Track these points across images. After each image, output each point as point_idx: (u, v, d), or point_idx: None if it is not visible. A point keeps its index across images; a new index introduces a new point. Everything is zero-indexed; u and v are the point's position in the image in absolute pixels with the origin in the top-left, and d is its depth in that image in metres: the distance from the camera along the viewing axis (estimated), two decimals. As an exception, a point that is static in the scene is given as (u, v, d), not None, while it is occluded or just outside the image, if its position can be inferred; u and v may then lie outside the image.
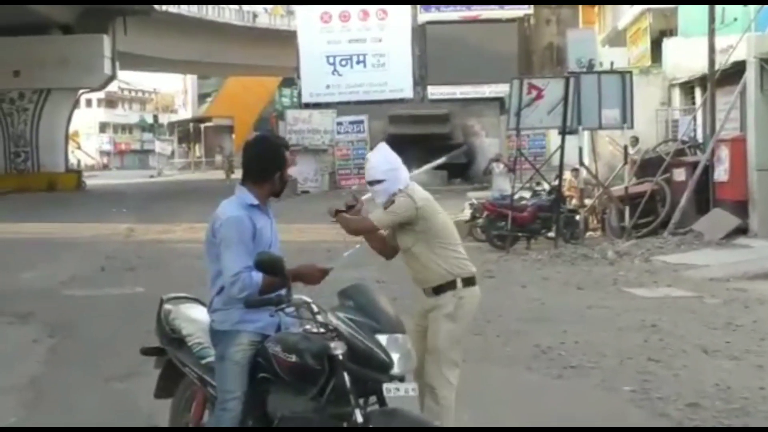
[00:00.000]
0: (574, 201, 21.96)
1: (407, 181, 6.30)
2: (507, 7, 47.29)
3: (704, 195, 19.25)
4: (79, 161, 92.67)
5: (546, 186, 21.17)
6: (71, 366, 9.71)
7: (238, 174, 52.21)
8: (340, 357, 4.82)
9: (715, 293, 13.30)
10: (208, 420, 5.63)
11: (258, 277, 5.17)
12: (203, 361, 5.65)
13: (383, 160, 6.33)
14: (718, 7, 21.31)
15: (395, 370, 4.85)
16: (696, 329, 10.78)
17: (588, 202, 21.88)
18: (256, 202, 5.42)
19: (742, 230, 18.22)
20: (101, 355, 9.93)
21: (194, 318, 5.88)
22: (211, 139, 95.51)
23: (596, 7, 41.80)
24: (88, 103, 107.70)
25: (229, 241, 5.27)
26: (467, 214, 22.24)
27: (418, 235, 6.16)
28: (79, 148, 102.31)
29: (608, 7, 39.53)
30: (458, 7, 47.29)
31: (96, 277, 16.63)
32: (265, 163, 5.48)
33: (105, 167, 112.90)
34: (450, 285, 6.12)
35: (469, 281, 6.19)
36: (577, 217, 20.32)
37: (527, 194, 21.11)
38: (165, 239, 23.05)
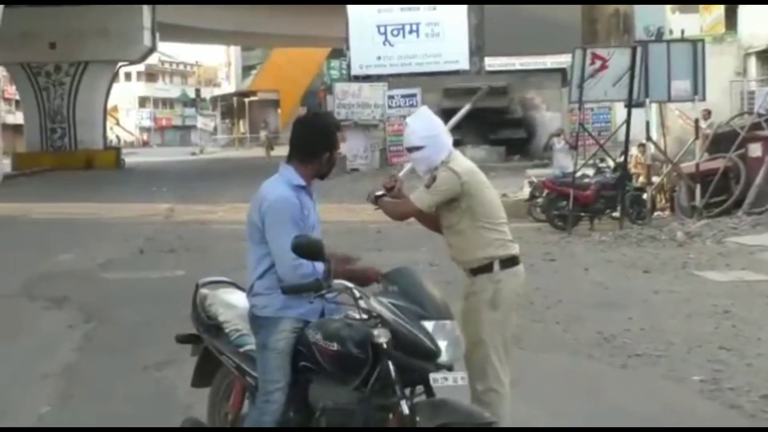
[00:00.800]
0: (641, 179, 21.72)
1: (450, 149, 6.14)
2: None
3: (782, 172, 18.98)
4: (118, 138, 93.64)
5: (610, 163, 21.00)
6: (107, 353, 9.80)
7: (278, 151, 52.45)
8: (385, 345, 4.79)
9: (793, 277, 13.12)
10: (249, 411, 5.62)
11: (320, 268, 5.15)
12: (241, 349, 5.64)
13: (423, 125, 6.14)
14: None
15: (443, 358, 4.81)
16: (772, 316, 10.65)
17: (656, 179, 21.64)
18: (302, 182, 5.43)
19: (822, 209, 17.96)
20: (138, 342, 10.01)
21: (232, 304, 5.86)
22: (255, 114, 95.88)
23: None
24: (128, 76, 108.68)
25: (281, 222, 5.28)
26: (526, 192, 22.15)
27: (463, 212, 6.02)
28: (117, 124, 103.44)
29: (679, -29, 39.04)
30: (518, -28, 46.98)
31: (134, 260, 16.80)
32: (315, 142, 5.49)
33: (145, 144, 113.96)
34: (486, 268, 6.00)
35: (507, 262, 6.04)
36: (644, 196, 20.12)
37: (590, 171, 20.93)
38: (206, 220, 23.18)
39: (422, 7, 47.21)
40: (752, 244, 16.03)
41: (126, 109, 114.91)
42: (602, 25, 47.35)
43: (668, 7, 33.38)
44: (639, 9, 29.67)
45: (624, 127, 19.93)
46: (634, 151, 21.91)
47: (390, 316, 4.85)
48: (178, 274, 14.43)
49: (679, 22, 30.79)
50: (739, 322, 10.27)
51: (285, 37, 70.48)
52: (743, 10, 26.68)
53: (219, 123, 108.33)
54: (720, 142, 20.73)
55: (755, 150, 19.66)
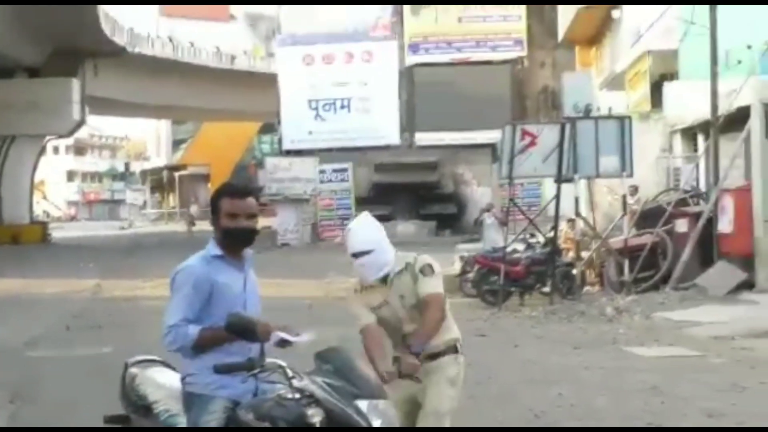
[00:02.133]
0: (571, 254, 21.96)
1: (392, 252, 6.18)
2: (499, 49, 47.68)
3: (708, 247, 19.30)
4: (45, 212, 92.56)
5: (541, 238, 21.19)
6: (32, 433, 9.62)
7: (200, 226, 51.43)
8: (318, 425, 4.77)
9: (720, 352, 13.30)
10: None
11: (193, 331, 5.17)
12: None
13: (370, 229, 6.14)
14: (722, 50, 21.48)
15: None
16: (700, 391, 10.75)
17: (585, 254, 21.89)
18: (219, 252, 5.40)
19: (748, 285, 18.24)
20: (65, 422, 9.81)
21: (162, 384, 5.76)
22: (186, 189, 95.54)
23: (593, 50, 42.14)
24: (56, 150, 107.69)
25: (173, 294, 5.30)
26: (457, 267, 22.23)
27: None
28: (45, 198, 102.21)
29: (606, 50, 39.84)
30: (447, 49, 47.73)
31: (61, 337, 16.54)
32: (211, 210, 5.51)
33: (73, 218, 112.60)
34: (452, 349, 6.16)
35: (460, 346, 6.27)
36: (574, 271, 20.31)
37: (521, 247, 21.11)
38: (134, 296, 22.96)
39: (353, 81, 47.67)
40: (679, 319, 16.25)
41: (54, 182, 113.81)
42: (531, 101, 48.25)
43: (596, 84, 34.02)
44: (568, 86, 30.05)
45: (553, 203, 20.18)
46: (563, 226, 22.18)
47: (323, 395, 4.84)
48: (105, 351, 14.25)
49: (607, 99, 31.40)
50: (667, 398, 10.37)
51: (216, 111, 70.62)
52: (668, 88, 27.25)
53: (149, 197, 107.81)
54: (647, 217, 21.09)
55: (681, 225, 20.01)
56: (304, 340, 5.24)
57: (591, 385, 11.22)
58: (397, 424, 5.04)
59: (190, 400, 5.36)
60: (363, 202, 43.50)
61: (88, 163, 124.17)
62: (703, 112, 21.96)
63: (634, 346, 14.12)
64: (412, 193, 44.29)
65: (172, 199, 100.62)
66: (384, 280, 6.09)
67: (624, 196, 20.84)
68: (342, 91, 47.98)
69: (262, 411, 5.02)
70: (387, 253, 6.11)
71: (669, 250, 19.83)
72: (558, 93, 38.02)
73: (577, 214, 20.82)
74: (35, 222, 59.79)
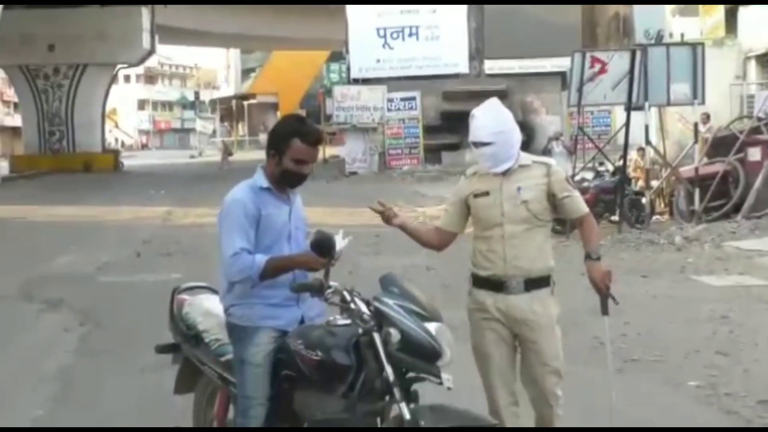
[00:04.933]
0: (640, 182, 21.73)
1: (518, 146, 5.69)
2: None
3: (781, 176, 18.99)
4: (117, 140, 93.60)
5: (610, 166, 20.97)
6: (102, 356, 9.82)
7: (235, 157, 51.48)
8: (396, 345, 4.73)
9: (792, 282, 13.12)
10: (232, 420, 5.58)
11: (261, 259, 5.09)
12: (222, 359, 5.55)
13: (493, 119, 5.61)
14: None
15: (444, 360, 4.77)
16: (770, 321, 10.66)
17: (655, 183, 21.64)
18: (265, 184, 5.29)
19: (822, 213, 17.96)
20: (134, 345, 9.95)
21: (211, 311, 5.73)
22: (255, 117, 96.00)
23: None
24: (127, 79, 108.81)
25: (227, 224, 5.19)
26: (525, 196, 22.09)
27: (547, 213, 5.71)
28: (117, 126, 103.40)
29: (680, -26, 39.06)
30: (518, -25, 46.98)
31: (131, 263, 16.80)
32: (270, 143, 5.33)
33: (144, 147, 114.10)
34: (544, 281, 5.66)
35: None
36: (643, 200, 20.12)
37: (590, 175, 20.91)
38: (204, 223, 23.09)
39: (422, 9, 47.19)
40: (750, 248, 16.03)
41: (125, 111, 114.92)
42: (602, 28, 47.38)
43: (668, 9, 33.41)
44: (639, 12, 29.65)
45: (623, 131, 19.93)
46: (633, 154, 21.91)
47: (398, 317, 4.79)
48: (174, 277, 14.37)
49: (679, 25, 30.81)
50: (736, 327, 10.28)
51: (284, 40, 70.53)
52: (743, 14, 26.71)
53: (218, 126, 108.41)
54: (719, 146, 20.72)
55: (754, 154, 19.65)
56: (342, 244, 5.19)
57: (658, 314, 11.16)
58: (453, 347, 4.86)
59: (235, 332, 5.31)
60: (431, 131, 43.34)
61: (159, 92, 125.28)
62: (780, 38, 21.51)
63: (703, 275, 13.98)
64: (482, 121, 44.02)
65: (242, 128, 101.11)
66: (504, 173, 5.64)
67: (695, 124, 20.50)
68: (410, 19, 47.50)
69: (312, 339, 4.99)
70: (510, 147, 5.62)
71: (741, 179, 19.49)
72: (630, 19, 37.40)
73: (648, 142, 20.54)
74: (107, 150, 60.53)
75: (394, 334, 4.73)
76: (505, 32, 45.11)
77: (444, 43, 47.08)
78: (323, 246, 4.99)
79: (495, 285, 5.62)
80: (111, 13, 52.37)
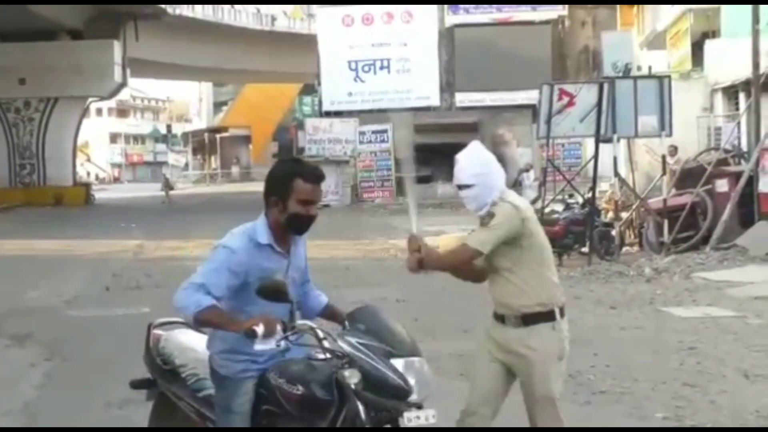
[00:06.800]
0: (610, 214, 21.83)
1: (502, 188, 5.72)
2: (540, 8, 47.21)
3: (748, 207, 19.07)
4: (89, 174, 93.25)
5: (579, 198, 21.05)
6: (68, 390, 9.73)
7: (174, 192, 50.94)
8: (354, 386, 4.66)
9: (759, 313, 13.15)
10: None
11: (206, 301, 4.88)
12: (200, 394, 5.43)
13: (475, 161, 5.73)
14: (763, 7, 21.20)
15: (413, 396, 4.71)
16: (737, 352, 10.67)
17: (624, 215, 21.74)
18: (266, 241, 5.06)
19: (789, 245, 18.03)
20: (100, 379, 9.90)
21: (188, 345, 5.64)
22: (227, 150, 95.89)
23: (635, 8, 41.68)
24: (98, 112, 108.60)
25: (208, 263, 5.03)
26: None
27: (523, 252, 5.63)
28: (88, 160, 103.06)
29: (647, 8, 39.41)
30: (488, 8, 47.30)
31: (101, 297, 16.69)
32: (267, 188, 5.12)
33: (116, 180, 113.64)
34: (547, 316, 5.62)
35: (563, 310, 5.74)
36: (613, 232, 20.19)
37: (559, 207, 20.99)
38: (175, 256, 23.04)
39: (393, 42, 47.45)
40: (719, 279, 16.09)
41: (97, 145, 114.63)
42: (572, 61, 47.83)
43: (636, 43, 33.71)
44: (608, 46, 29.82)
45: (592, 163, 20.02)
46: (606, 187, 22.00)
47: (358, 355, 4.73)
48: (143, 311, 14.31)
49: (647, 58, 31.09)
50: (704, 358, 10.29)
51: (256, 73, 70.67)
52: (710, 46, 26.97)
53: (190, 159, 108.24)
54: (687, 177, 20.86)
55: (722, 186, 19.77)
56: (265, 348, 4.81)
57: (627, 346, 11.17)
58: (432, 381, 4.87)
59: (217, 378, 5.19)
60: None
61: (131, 125, 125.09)
62: (745, 71, 21.73)
63: (672, 306, 14.01)
64: (453, 154, 43.83)
65: (214, 161, 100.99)
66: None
67: (663, 156, 20.62)
68: (381, 52, 47.73)
69: (293, 373, 4.91)
70: (491, 190, 5.65)
71: (709, 211, 19.59)
72: (598, 53, 37.70)
73: (616, 174, 20.65)
74: (78, 183, 60.15)
75: (352, 375, 4.67)
76: (477, 65, 45.40)
77: (415, 76, 47.32)
78: (269, 293, 4.84)
79: (498, 318, 5.79)
80: (82, 46, 52.29)
